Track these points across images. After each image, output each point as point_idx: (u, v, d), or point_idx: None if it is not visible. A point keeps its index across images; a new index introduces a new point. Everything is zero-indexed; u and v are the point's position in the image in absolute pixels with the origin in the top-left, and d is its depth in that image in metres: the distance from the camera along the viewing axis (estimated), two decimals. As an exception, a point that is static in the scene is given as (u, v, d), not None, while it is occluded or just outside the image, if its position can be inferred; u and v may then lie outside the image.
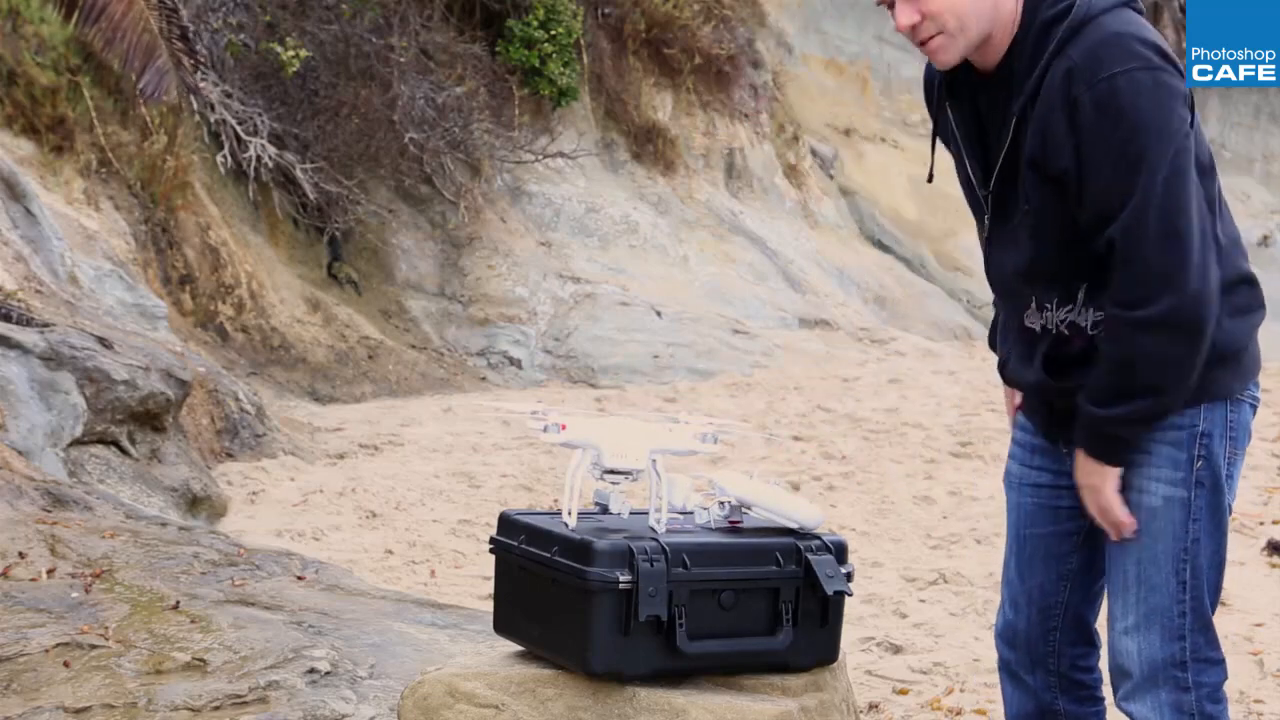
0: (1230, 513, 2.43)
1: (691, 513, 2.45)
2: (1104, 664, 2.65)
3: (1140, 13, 2.30)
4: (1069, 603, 2.57)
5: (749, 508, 2.46)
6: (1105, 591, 2.59)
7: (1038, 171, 2.28)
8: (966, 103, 2.41)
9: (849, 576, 2.39)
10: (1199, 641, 2.37)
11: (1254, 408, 2.41)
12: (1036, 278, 2.36)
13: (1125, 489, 2.37)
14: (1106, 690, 2.65)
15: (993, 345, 2.64)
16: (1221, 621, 2.49)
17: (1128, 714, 2.41)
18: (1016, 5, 2.31)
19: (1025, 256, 2.37)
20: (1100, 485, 2.35)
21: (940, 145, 2.55)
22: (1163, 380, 2.26)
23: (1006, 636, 2.63)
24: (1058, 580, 2.56)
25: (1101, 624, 2.63)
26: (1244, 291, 2.37)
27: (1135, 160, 2.18)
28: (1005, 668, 2.65)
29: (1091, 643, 2.64)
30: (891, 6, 2.33)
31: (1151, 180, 2.18)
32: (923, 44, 2.33)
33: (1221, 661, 2.41)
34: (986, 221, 2.43)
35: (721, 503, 2.47)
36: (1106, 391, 2.28)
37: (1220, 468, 2.36)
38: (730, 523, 2.45)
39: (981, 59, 2.35)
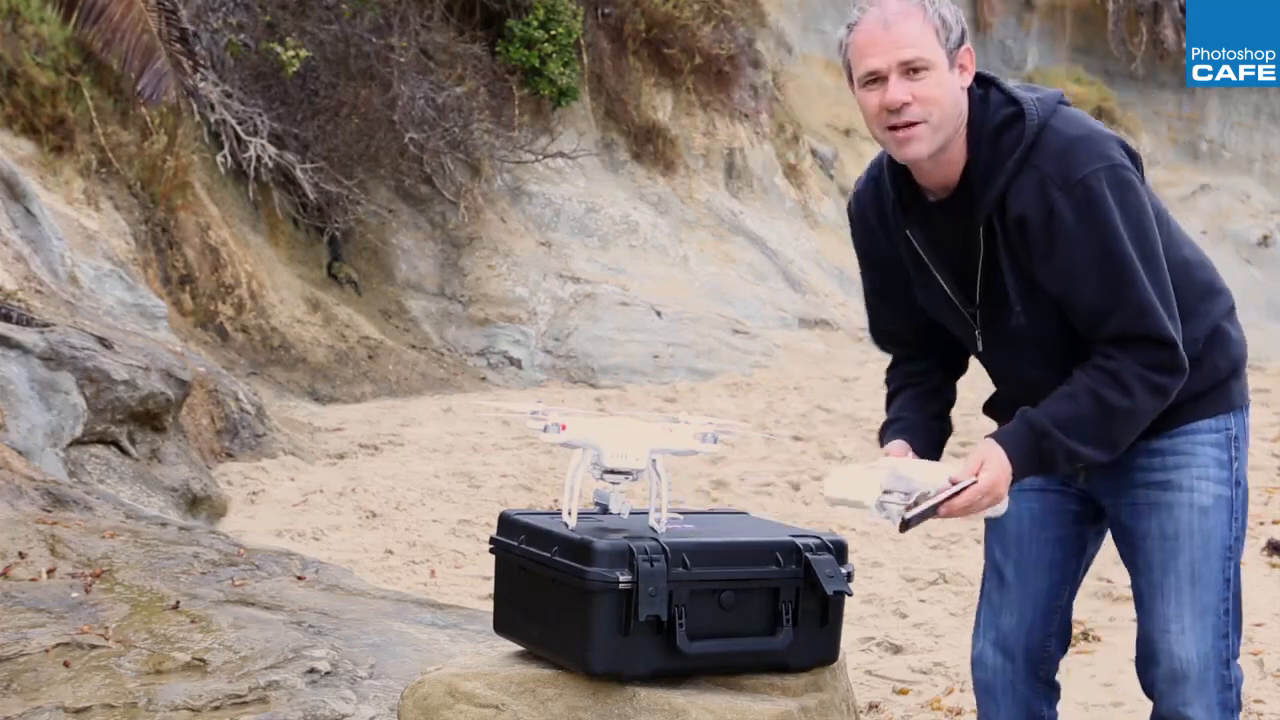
0: None
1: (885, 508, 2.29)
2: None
3: (1068, 104, 2.35)
4: (1065, 606, 2.59)
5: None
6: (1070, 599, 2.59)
7: (1022, 279, 2.30)
8: (926, 225, 2.38)
9: (849, 576, 2.38)
10: (1235, 640, 2.40)
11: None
12: (1051, 367, 2.34)
13: (1173, 489, 2.39)
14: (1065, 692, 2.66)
15: (987, 412, 2.65)
16: (1221, 621, 2.50)
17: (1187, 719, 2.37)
18: (965, 117, 2.30)
19: (1037, 356, 2.38)
20: (1000, 491, 2.31)
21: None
22: (1127, 436, 2.31)
23: (1004, 648, 2.57)
24: (1062, 583, 2.57)
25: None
26: (1232, 307, 2.46)
27: (1119, 259, 2.22)
28: (993, 687, 2.58)
29: (1067, 646, 2.66)
30: (873, 82, 2.25)
31: (1134, 275, 2.22)
32: (900, 129, 2.24)
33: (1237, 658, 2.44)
34: (978, 335, 2.42)
35: (905, 494, 2.31)
36: (1081, 424, 2.27)
37: (1245, 469, 2.45)
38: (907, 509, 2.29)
39: (934, 170, 2.32)
